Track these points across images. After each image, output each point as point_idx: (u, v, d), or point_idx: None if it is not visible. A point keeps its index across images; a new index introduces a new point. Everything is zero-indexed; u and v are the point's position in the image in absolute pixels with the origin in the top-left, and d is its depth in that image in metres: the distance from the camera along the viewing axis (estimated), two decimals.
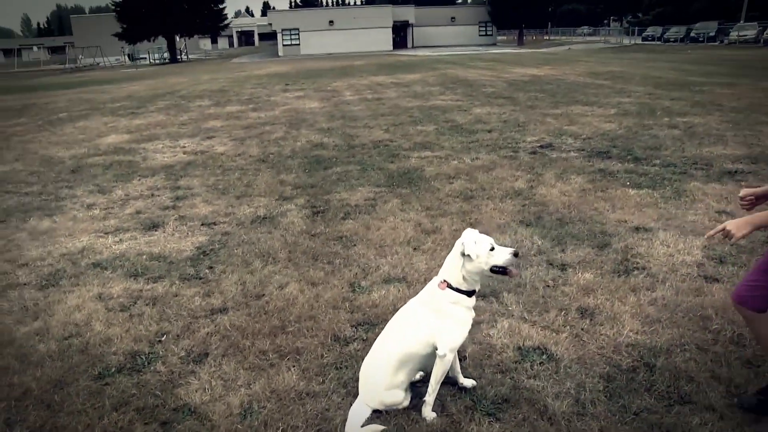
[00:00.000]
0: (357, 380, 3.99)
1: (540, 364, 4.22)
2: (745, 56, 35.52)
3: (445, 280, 3.72)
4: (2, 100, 27.80)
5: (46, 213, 8.48)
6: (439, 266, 5.69)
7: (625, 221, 7.01)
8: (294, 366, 4.33)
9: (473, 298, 3.74)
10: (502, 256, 3.61)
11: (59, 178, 10.56)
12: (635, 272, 5.67)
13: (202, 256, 6.58)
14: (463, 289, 3.68)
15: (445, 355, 3.62)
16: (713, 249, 6.10)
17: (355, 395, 3.84)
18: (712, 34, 55.30)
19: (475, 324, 4.69)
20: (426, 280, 5.52)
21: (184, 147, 13.00)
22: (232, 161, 11.29)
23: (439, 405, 3.78)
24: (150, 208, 8.48)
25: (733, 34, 51.61)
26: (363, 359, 3.90)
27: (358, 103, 18.88)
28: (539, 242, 6.45)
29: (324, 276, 5.87)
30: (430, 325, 3.66)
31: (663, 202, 7.60)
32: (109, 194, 9.37)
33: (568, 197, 7.95)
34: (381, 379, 3.70)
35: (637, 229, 6.76)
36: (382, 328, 4.67)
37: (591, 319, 4.82)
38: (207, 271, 6.17)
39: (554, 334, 4.60)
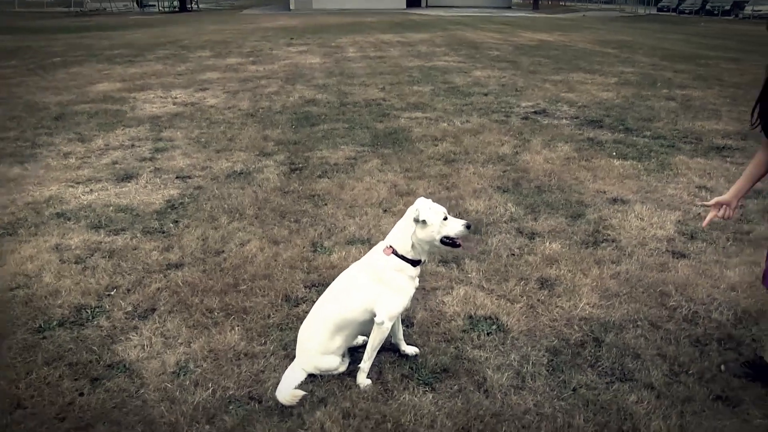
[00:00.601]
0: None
1: (488, 334, 4.12)
2: (758, 32, 34.79)
3: (391, 246, 3.60)
4: None
5: (18, 160, 8.32)
6: None
7: (604, 192, 6.88)
8: (238, 325, 4.24)
9: (417, 268, 3.63)
10: (455, 227, 3.52)
11: (40, 125, 10.35)
12: (603, 244, 5.57)
13: (169, 210, 6.48)
14: (409, 257, 3.57)
15: (382, 323, 3.52)
16: (686, 224, 5.99)
17: (294, 358, 3.76)
18: (728, 7, 54.19)
19: (431, 290, 4.64)
20: None
21: (176, 98, 12.81)
22: (220, 114, 11.12)
23: (377, 372, 3.70)
24: (127, 159, 8.34)
25: (748, 9, 50.66)
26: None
27: (359, 60, 18.62)
28: (512, 209, 6.33)
29: (288, 234, 5.76)
30: (369, 291, 3.56)
31: (645, 175, 7.46)
32: (88, 143, 9.21)
33: (551, 165, 7.81)
34: (317, 343, 3.61)
35: (614, 200, 6.63)
36: None
37: (550, 291, 4.72)
38: (171, 225, 6.07)
39: (509, 304, 4.50)
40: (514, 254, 5.34)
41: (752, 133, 9.19)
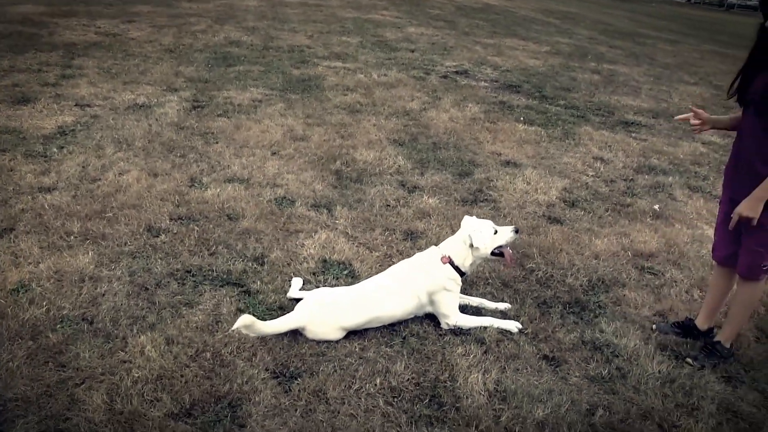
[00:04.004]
0: (145, 270, 4.00)
1: (336, 278, 4.20)
2: (704, 17, 35.59)
3: (448, 256, 3.85)
4: None
5: None
6: (289, 173, 5.67)
7: (500, 154, 6.98)
8: (92, 250, 4.24)
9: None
10: (505, 235, 3.91)
11: None
12: (482, 203, 5.68)
13: (58, 136, 6.37)
14: (462, 270, 3.88)
15: (455, 322, 3.81)
16: (571, 192, 6.13)
17: (137, 284, 3.82)
18: None
19: (294, 233, 4.71)
20: (269, 185, 5.48)
21: (98, 27, 12.46)
22: (139, 47, 10.89)
23: (214, 304, 3.76)
24: (29, 83, 8.14)
25: None
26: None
27: (296, 6, 18.35)
28: (402, 162, 6.39)
29: (170, 168, 5.74)
30: (425, 296, 3.80)
31: (546, 141, 7.59)
32: None
33: (454, 123, 7.88)
34: (343, 320, 3.59)
35: (507, 162, 6.74)
36: (200, 224, 4.63)
37: (413, 242, 4.81)
38: (55, 150, 5.98)
39: (367, 252, 4.58)
40: (389, 205, 5.41)
41: (662, 112, 9.47)
